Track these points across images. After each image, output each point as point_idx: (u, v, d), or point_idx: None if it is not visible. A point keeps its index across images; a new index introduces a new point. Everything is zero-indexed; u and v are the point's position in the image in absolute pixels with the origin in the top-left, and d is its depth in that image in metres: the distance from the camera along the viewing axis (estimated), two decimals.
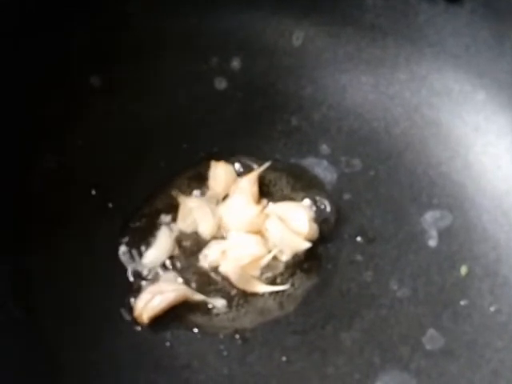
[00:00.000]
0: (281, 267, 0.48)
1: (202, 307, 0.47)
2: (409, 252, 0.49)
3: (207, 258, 0.48)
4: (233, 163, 0.52)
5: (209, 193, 0.51)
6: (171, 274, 0.48)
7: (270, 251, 0.48)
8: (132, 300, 0.47)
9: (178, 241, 0.49)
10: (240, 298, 0.47)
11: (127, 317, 0.46)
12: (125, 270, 0.48)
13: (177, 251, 0.49)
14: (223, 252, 0.48)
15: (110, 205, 0.50)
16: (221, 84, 0.55)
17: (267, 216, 0.49)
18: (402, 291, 0.48)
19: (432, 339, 0.46)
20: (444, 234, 0.49)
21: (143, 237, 0.49)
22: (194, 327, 0.46)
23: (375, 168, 0.52)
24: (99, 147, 0.52)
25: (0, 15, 0.47)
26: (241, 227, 0.49)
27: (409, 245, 0.49)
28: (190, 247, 0.49)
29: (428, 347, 0.46)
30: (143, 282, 0.47)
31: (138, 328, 0.46)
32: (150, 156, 0.52)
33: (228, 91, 0.54)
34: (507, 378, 0.44)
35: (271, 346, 0.46)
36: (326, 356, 0.45)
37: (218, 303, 0.47)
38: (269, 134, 0.53)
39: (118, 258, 0.48)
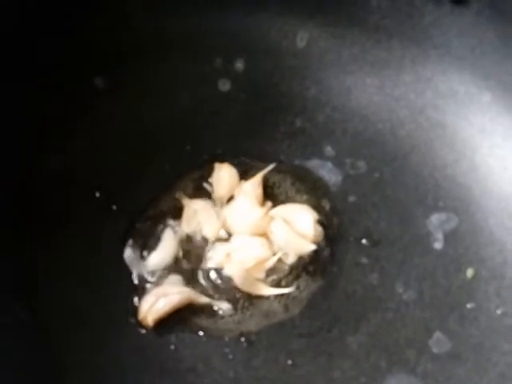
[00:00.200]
0: (286, 270, 0.48)
1: (206, 310, 0.47)
2: (414, 255, 0.49)
3: (212, 260, 0.48)
4: (237, 165, 0.51)
5: (213, 195, 0.51)
6: (176, 277, 0.48)
7: (274, 254, 0.48)
8: (137, 303, 0.46)
9: (183, 243, 0.49)
10: (245, 300, 0.47)
11: (132, 319, 0.46)
12: (129, 273, 0.48)
13: (181, 253, 0.49)
14: (228, 254, 0.47)
15: (114, 207, 0.50)
16: (225, 85, 0.54)
17: (272, 218, 0.49)
18: (408, 294, 0.47)
19: (438, 342, 0.46)
20: (450, 237, 0.49)
21: (147, 239, 0.49)
22: (198, 330, 0.46)
23: (380, 170, 0.52)
24: (103, 149, 0.52)
25: (0, 15, 0.47)
26: (245, 229, 0.49)
27: (414, 247, 0.49)
28: (194, 250, 0.49)
29: (435, 350, 0.45)
30: (148, 285, 0.47)
31: (143, 331, 0.46)
32: (154, 158, 0.52)
33: (232, 93, 0.54)
34: None
35: (277, 349, 0.46)
36: (332, 359, 0.45)
37: (223, 306, 0.47)
38: (273, 136, 0.53)
39: (123, 260, 0.48)
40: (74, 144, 0.51)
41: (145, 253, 0.48)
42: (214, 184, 0.51)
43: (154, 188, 0.51)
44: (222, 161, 0.51)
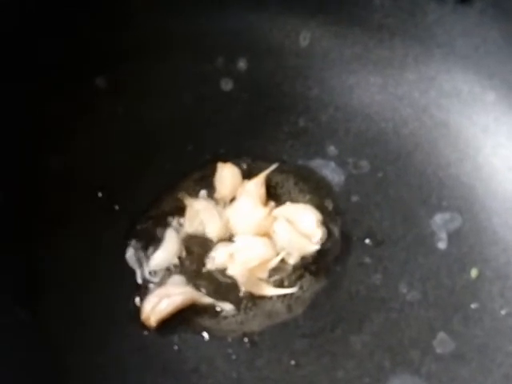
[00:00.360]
0: (289, 270, 0.48)
1: (209, 310, 0.46)
2: (418, 255, 0.48)
3: (215, 260, 0.48)
4: (239, 165, 0.51)
5: (216, 195, 0.50)
6: (178, 277, 0.47)
7: (277, 254, 0.47)
8: (139, 303, 0.46)
9: (185, 243, 0.49)
10: (248, 301, 0.47)
11: (134, 320, 0.46)
12: (132, 273, 0.48)
13: (184, 254, 0.48)
14: (231, 255, 0.47)
15: (117, 207, 0.50)
16: (227, 85, 0.54)
17: (275, 218, 0.49)
18: (412, 294, 0.47)
19: (442, 343, 0.45)
20: (454, 237, 0.49)
21: (150, 239, 0.49)
22: (201, 331, 0.46)
23: (383, 169, 0.52)
24: (105, 149, 0.52)
25: (1, 15, 0.46)
26: (248, 229, 0.48)
27: (418, 247, 0.49)
28: (197, 250, 0.48)
29: (439, 351, 0.45)
30: (150, 285, 0.47)
31: (146, 331, 0.46)
32: (156, 158, 0.52)
33: (234, 92, 0.54)
34: None
35: (280, 349, 0.45)
36: (336, 360, 0.45)
37: (226, 306, 0.46)
38: (275, 136, 0.53)
39: (125, 260, 0.48)
40: (75, 144, 0.51)
41: (147, 253, 0.48)
42: (217, 184, 0.51)
43: (156, 188, 0.50)
44: (224, 160, 0.51)
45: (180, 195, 0.50)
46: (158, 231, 0.49)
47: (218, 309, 0.47)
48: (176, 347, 0.45)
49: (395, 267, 0.48)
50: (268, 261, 0.47)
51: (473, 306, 0.47)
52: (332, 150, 0.53)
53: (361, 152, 0.52)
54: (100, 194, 0.50)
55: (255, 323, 0.46)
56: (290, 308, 0.47)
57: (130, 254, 0.48)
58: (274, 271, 0.47)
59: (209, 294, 0.47)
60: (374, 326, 0.46)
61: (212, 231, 0.49)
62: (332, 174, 0.52)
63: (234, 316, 0.46)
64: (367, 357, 0.45)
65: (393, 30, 0.53)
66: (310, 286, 0.47)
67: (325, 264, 0.48)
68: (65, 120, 0.51)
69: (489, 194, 0.50)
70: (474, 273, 0.48)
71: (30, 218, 0.48)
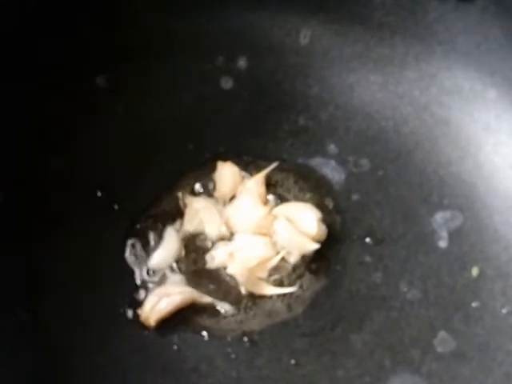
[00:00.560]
0: (289, 269, 0.48)
1: (209, 310, 0.46)
2: (419, 253, 0.48)
3: (214, 259, 0.48)
4: (239, 164, 0.51)
5: (215, 194, 0.50)
6: (178, 276, 0.47)
7: (277, 253, 0.47)
8: (139, 303, 0.46)
9: (185, 242, 0.49)
10: (248, 300, 0.47)
11: (134, 320, 0.46)
12: (131, 273, 0.48)
13: (183, 253, 0.48)
14: (230, 254, 0.47)
15: (116, 206, 0.50)
16: (227, 83, 0.54)
17: (275, 217, 0.49)
18: (412, 293, 0.47)
19: (443, 342, 0.45)
20: (455, 235, 0.49)
21: (149, 239, 0.49)
22: (201, 330, 0.46)
23: (384, 168, 0.52)
24: (104, 148, 0.51)
25: (1, 14, 0.46)
26: (248, 228, 0.48)
27: (419, 246, 0.48)
28: (196, 249, 0.48)
29: (439, 350, 0.45)
30: (150, 285, 0.47)
31: (145, 331, 0.46)
32: (156, 157, 0.52)
33: (234, 91, 0.54)
34: None
35: (280, 348, 0.45)
36: (336, 359, 0.45)
37: (226, 306, 0.46)
38: (276, 134, 0.53)
39: (125, 260, 0.48)
40: (74, 143, 0.51)
41: (147, 252, 0.48)
42: (217, 182, 0.51)
43: (156, 187, 0.50)
44: (224, 159, 0.51)
45: (180, 194, 0.50)
46: (158, 230, 0.49)
47: (218, 308, 0.46)
48: (175, 347, 0.45)
49: (396, 266, 0.48)
50: (268, 260, 0.47)
51: (474, 304, 0.46)
52: (332, 148, 0.53)
53: (361, 150, 0.52)
54: (99, 194, 0.50)
55: (255, 322, 0.46)
56: (289, 307, 0.47)
57: (130, 254, 0.48)
58: (274, 270, 0.47)
59: (208, 294, 0.47)
60: (374, 325, 0.46)
61: (212, 230, 0.49)
62: (332, 172, 0.52)
63: (233, 315, 0.46)
64: (367, 356, 0.45)
65: (393, 28, 0.53)
66: (310, 285, 0.47)
67: (325, 263, 0.48)
68: (64, 119, 0.51)
69: (490, 192, 0.50)
70: (475, 271, 0.47)
71: (30, 218, 0.48)
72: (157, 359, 0.45)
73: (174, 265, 0.48)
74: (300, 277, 0.47)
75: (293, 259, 0.48)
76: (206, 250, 0.48)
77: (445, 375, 0.44)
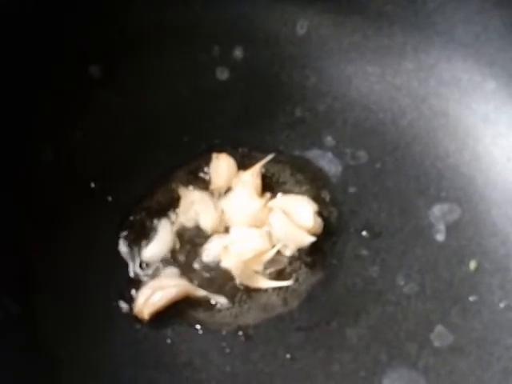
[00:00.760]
0: (285, 262, 0.47)
1: (203, 303, 0.46)
2: (416, 246, 0.48)
3: (209, 252, 0.47)
4: (235, 155, 0.51)
5: (211, 186, 0.50)
6: (172, 269, 0.47)
7: (273, 246, 0.47)
8: (132, 296, 0.46)
9: (179, 235, 0.48)
10: (243, 293, 0.46)
11: (127, 313, 0.45)
12: (125, 265, 0.47)
13: (178, 245, 0.48)
14: (225, 247, 0.47)
15: (110, 198, 0.49)
16: (223, 74, 0.54)
17: (270, 210, 0.48)
18: (409, 287, 0.47)
19: (440, 336, 0.45)
20: (452, 228, 0.48)
21: (143, 231, 0.48)
22: (195, 324, 0.45)
23: (381, 160, 0.51)
24: (99, 139, 0.51)
25: None
26: (243, 221, 0.48)
27: (416, 239, 0.48)
28: (191, 241, 0.48)
29: (436, 344, 0.45)
30: (144, 278, 0.47)
31: (139, 324, 0.45)
32: (151, 148, 0.51)
33: (230, 81, 0.53)
34: None
35: (275, 343, 0.45)
36: (332, 353, 0.44)
37: (221, 299, 0.46)
38: (272, 126, 0.52)
39: (118, 252, 0.47)
40: (68, 135, 0.51)
41: (141, 245, 0.48)
42: (212, 174, 0.50)
43: (151, 179, 0.50)
44: (219, 151, 0.51)
45: (174, 186, 0.50)
46: (152, 223, 0.48)
47: (213, 301, 0.46)
48: (169, 340, 0.45)
49: (392, 259, 0.47)
50: (263, 253, 0.46)
51: (471, 298, 0.46)
52: (329, 140, 0.52)
53: (358, 142, 0.52)
54: (93, 185, 0.50)
55: (250, 316, 0.46)
56: (285, 301, 0.46)
57: (123, 246, 0.48)
58: (270, 263, 0.47)
59: (203, 287, 0.46)
60: (370, 319, 0.45)
61: (206, 223, 0.48)
62: (329, 164, 0.51)
63: (228, 309, 0.46)
64: (363, 350, 0.45)
65: (392, 17, 0.52)
66: (306, 278, 0.47)
67: (321, 256, 0.48)
68: (58, 111, 0.50)
69: (488, 184, 0.49)
70: (472, 265, 0.47)
71: (22, 210, 0.48)
72: (150, 353, 0.44)
73: (168, 257, 0.47)
74: (296, 270, 0.47)
75: (288, 252, 0.47)
76: (200, 243, 0.48)
77: (442, 370, 0.44)
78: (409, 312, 0.46)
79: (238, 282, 0.46)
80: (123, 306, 0.46)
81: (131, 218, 0.49)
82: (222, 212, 0.48)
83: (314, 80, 0.53)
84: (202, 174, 0.50)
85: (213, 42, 0.53)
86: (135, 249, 0.47)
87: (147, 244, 0.47)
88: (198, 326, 0.45)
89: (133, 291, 0.46)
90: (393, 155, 0.51)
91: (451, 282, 0.46)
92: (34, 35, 0.48)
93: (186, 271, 0.47)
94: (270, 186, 0.50)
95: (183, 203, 0.49)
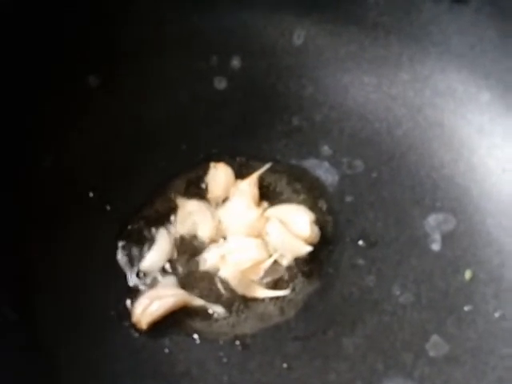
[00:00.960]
0: (281, 271, 0.47)
1: (201, 313, 0.46)
2: (411, 256, 0.48)
3: (206, 262, 0.47)
4: (232, 164, 0.51)
5: (208, 195, 0.50)
6: (170, 279, 0.47)
7: (270, 255, 0.47)
8: (130, 305, 0.46)
9: (177, 244, 0.48)
10: (240, 303, 0.46)
11: (125, 322, 0.46)
12: (123, 274, 0.47)
13: (176, 255, 0.48)
14: (223, 256, 0.47)
15: (108, 207, 0.50)
16: (220, 83, 0.54)
17: (267, 219, 0.48)
18: (405, 296, 0.47)
19: (436, 346, 0.45)
20: (447, 238, 0.49)
21: (142, 240, 0.48)
22: (193, 333, 0.46)
23: (377, 170, 0.51)
24: (97, 148, 0.51)
25: None
26: (241, 231, 0.48)
27: (411, 249, 0.48)
28: (189, 251, 0.48)
29: (432, 354, 0.45)
30: (142, 287, 0.47)
31: (136, 334, 0.45)
32: (149, 157, 0.51)
33: (228, 91, 0.54)
34: None
35: (272, 352, 0.45)
36: (328, 362, 0.45)
37: (218, 309, 0.46)
38: (269, 135, 0.53)
39: (117, 261, 0.48)
40: (67, 143, 0.51)
41: (139, 254, 0.48)
42: (210, 184, 0.50)
43: (149, 188, 0.50)
44: (217, 160, 0.51)
45: (172, 196, 0.50)
46: (150, 232, 0.49)
47: (210, 311, 0.46)
48: (167, 350, 0.45)
49: (388, 269, 0.48)
50: (260, 262, 0.47)
51: (466, 308, 0.46)
52: (326, 149, 0.52)
53: (355, 152, 0.52)
54: (92, 194, 0.50)
55: (247, 326, 0.46)
56: (282, 310, 0.46)
57: (122, 255, 0.48)
58: (267, 273, 0.47)
59: (200, 296, 0.46)
60: (366, 329, 0.46)
61: (204, 232, 0.48)
62: (326, 174, 0.52)
63: (225, 318, 0.46)
64: (360, 359, 0.45)
65: (388, 28, 0.52)
66: (303, 287, 0.47)
67: (318, 265, 0.48)
68: (57, 119, 0.50)
69: (483, 195, 0.49)
70: (467, 275, 0.47)
71: (21, 218, 0.48)
72: (148, 362, 0.44)
73: (166, 267, 0.48)
74: (293, 280, 0.47)
75: (285, 262, 0.47)
76: (198, 252, 0.48)
77: (437, 379, 0.44)
78: (404, 322, 0.46)
79: (235, 291, 0.46)
80: (121, 315, 0.46)
81: (129, 227, 0.49)
82: (220, 221, 0.49)
83: (310, 90, 0.54)
84: (199, 183, 0.51)
85: (211, 51, 0.54)
86: (133, 258, 0.48)
87: (145, 253, 0.48)
88: (195, 336, 0.45)
89: (131, 301, 0.46)
90: (388, 165, 0.51)
91: (446, 291, 0.47)
92: (32, 46, 0.49)
93: (184, 281, 0.47)
94: (266, 195, 0.50)
95: (181, 213, 0.49)
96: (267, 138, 0.53)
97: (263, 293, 0.46)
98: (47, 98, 0.50)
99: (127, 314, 0.46)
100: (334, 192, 0.51)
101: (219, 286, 0.47)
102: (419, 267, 0.48)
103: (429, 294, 0.47)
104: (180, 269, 0.48)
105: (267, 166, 0.50)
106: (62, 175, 0.50)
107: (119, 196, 0.50)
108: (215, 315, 0.46)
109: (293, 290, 0.47)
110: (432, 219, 0.49)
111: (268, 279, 0.47)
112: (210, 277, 0.47)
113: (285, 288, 0.47)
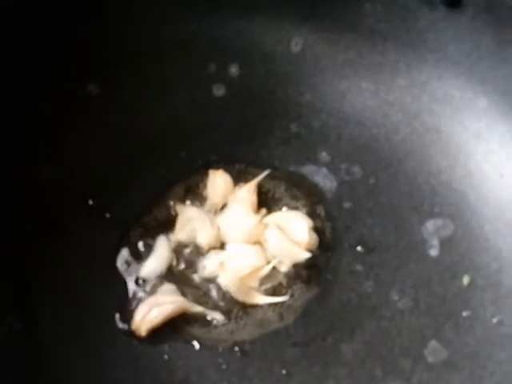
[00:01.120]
0: (280, 278, 0.48)
1: (200, 319, 0.46)
2: (410, 262, 0.48)
3: (205, 269, 0.48)
4: (231, 171, 0.51)
5: (207, 202, 0.50)
6: (169, 286, 0.47)
7: (269, 262, 0.47)
8: (130, 312, 0.46)
9: (176, 251, 0.48)
10: (239, 309, 0.47)
11: (125, 329, 0.46)
12: (123, 282, 0.47)
13: (175, 262, 0.48)
14: (222, 263, 0.47)
15: (108, 215, 0.50)
16: (219, 91, 0.54)
17: (266, 226, 0.49)
18: (403, 302, 0.47)
19: (434, 351, 0.45)
20: (445, 244, 0.49)
21: (141, 247, 0.49)
22: (192, 340, 0.46)
23: (375, 176, 0.52)
24: (96, 156, 0.51)
25: None
26: (239, 237, 0.48)
27: (410, 254, 0.49)
28: (188, 258, 0.48)
29: (430, 359, 0.45)
30: (141, 294, 0.47)
31: (136, 341, 0.45)
32: (148, 165, 0.52)
33: (226, 98, 0.54)
34: None
35: (271, 358, 0.45)
36: (327, 368, 0.45)
37: (217, 315, 0.46)
38: (267, 142, 0.53)
39: (116, 269, 0.48)
40: (67, 151, 0.51)
41: (138, 261, 0.48)
42: (208, 191, 0.51)
43: (148, 195, 0.50)
44: (216, 167, 0.51)
45: (171, 203, 0.50)
46: (150, 239, 0.49)
47: (209, 318, 0.46)
48: (166, 356, 0.45)
49: (387, 275, 0.48)
50: (259, 269, 0.47)
51: (464, 313, 0.46)
52: (324, 156, 0.53)
53: (353, 158, 0.52)
54: (91, 202, 0.50)
55: (246, 332, 0.46)
56: (281, 316, 0.47)
57: (121, 263, 0.48)
58: (266, 279, 0.47)
59: (199, 303, 0.47)
60: (365, 335, 0.46)
61: (203, 239, 0.49)
62: (324, 180, 0.52)
63: (224, 325, 0.46)
64: (358, 365, 0.45)
65: (385, 35, 0.53)
66: (302, 294, 0.47)
67: (316, 271, 0.48)
68: (57, 127, 0.51)
69: (480, 200, 0.50)
70: (465, 280, 0.47)
71: (22, 227, 0.48)
72: (147, 369, 0.45)
73: (166, 274, 0.48)
74: (291, 286, 0.47)
75: (284, 268, 0.48)
76: (197, 259, 0.48)
77: None
78: (403, 327, 0.46)
79: (234, 298, 0.47)
80: (121, 322, 0.46)
81: (129, 234, 0.49)
82: (219, 228, 0.49)
83: (308, 96, 0.54)
84: (198, 190, 0.51)
85: (209, 59, 0.54)
86: (133, 265, 0.48)
87: (145, 260, 0.48)
88: (194, 343, 0.46)
89: (130, 308, 0.46)
90: (386, 171, 0.52)
91: (444, 297, 0.47)
92: (30, 55, 0.49)
93: (183, 288, 0.47)
94: (265, 201, 0.50)
95: (180, 220, 0.49)
96: (266, 144, 0.53)
97: (262, 299, 0.47)
98: (47, 103, 0.50)
99: (127, 321, 0.46)
100: (333, 198, 0.51)
101: (218, 292, 0.47)
102: (417, 273, 0.48)
103: (427, 299, 0.47)
104: (179, 276, 0.48)
105: (266, 172, 0.51)
106: (62, 184, 0.50)
107: (119, 204, 0.50)
108: (214, 322, 0.46)
109: (291, 296, 0.47)
110: (430, 225, 0.49)
111: (267, 286, 0.47)
112: (209, 283, 0.47)
113: (283, 294, 0.47)
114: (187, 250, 0.49)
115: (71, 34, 0.50)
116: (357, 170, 0.52)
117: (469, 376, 0.44)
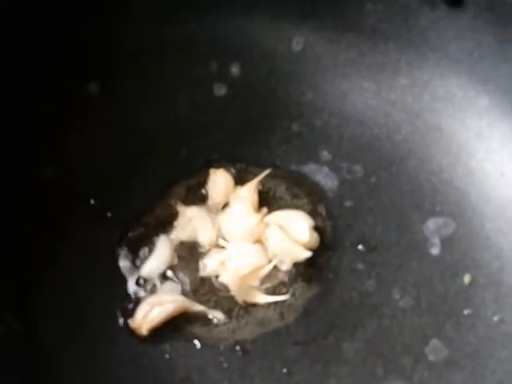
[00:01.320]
0: (281, 277, 0.48)
1: (201, 318, 0.46)
2: (411, 260, 0.48)
3: (207, 268, 0.48)
4: (232, 171, 0.51)
5: (208, 201, 0.50)
6: (170, 285, 0.47)
7: (270, 261, 0.47)
8: (131, 311, 0.46)
9: (177, 250, 0.49)
10: (240, 308, 0.47)
11: (126, 329, 0.46)
12: (124, 281, 0.47)
13: (176, 261, 0.48)
14: (223, 262, 0.47)
15: (109, 214, 0.50)
16: (220, 90, 0.54)
17: (267, 225, 0.48)
18: (405, 300, 0.47)
19: (435, 350, 0.45)
20: (447, 242, 0.49)
21: (142, 247, 0.49)
22: (193, 339, 0.46)
23: (377, 175, 0.52)
24: (97, 156, 0.51)
25: None
26: (240, 236, 0.48)
27: (411, 253, 0.49)
28: (189, 257, 0.48)
29: (431, 358, 0.45)
30: (142, 293, 0.47)
31: (137, 340, 0.45)
32: (149, 164, 0.52)
33: (227, 97, 0.54)
34: None
35: (272, 357, 0.45)
36: (328, 367, 0.45)
37: (218, 314, 0.46)
38: (269, 141, 0.53)
39: (117, 268, 0.48)
40: (67, 151, 0.51)
41: (139, 260, 0.48)
42: (209, 190, 0.51)
43: (149, 195, 0.50)
44: (217, 166, 0.51)
45: (172, 202, 0.50)
46: (151, 238, 0.49)
47: (210, 317, 0.46)
48: (167, 355, 0.45)
49: (388, 273, 0.48)
50: (260, 268, 0.47)
51: (466, 312, 0.46)
52: (325, 155, 0.53)
53: (354, 157, 0.52)
54: (93, 202, 0.50)
55: (247, 331, 0.46)
56: (282, 315, 0.47)
57: (123, 262, 0.48)
58: (266, 278, 0.47)
59: (200, 302, 0.47)
60: (366, 333, 0.46)
61: (204, 238, 0.49)
62: (325, 179, 0.52)
63: (225, 324, 0.46)
64: (360, 364, 0.45)
65: (386, 34, 0.53)
66: (303, 292, 0.47)
67: (317, 270, 0.48)
68: (57, 127, 0.51)
69: (482, 199, 0.50)
70: (466, 279, 0.47)
71: (22, 227, 0.48)
72: (148, 368, 0.45)
73: (167, 273, 0.48)
74: (292, 285, 0.47)
75: (285, 267, 0.48)
76: (198, 259, 0.48)
77: (437, 383, 0.44)
78: (404, 326, 0.46)
79: (235, 297, 0.47)
80: (122, 321, 0.46)
81: (130, 233, 0.49)
82: (220, 227, 0.49)
83: (310, 96, 0.54)
84: (199, 190, 0.51)
85: (210, 58, 0.54)
86: (134, 264, 0.48)
87: (146, 260, 0.48)
88: (195, 341, 0.46)
89: (131, 307, 0.46)
90: (388, 170, 0.52)
91: (446, 295, 0.47)
92: (31, 55, 0.49)
93: (184, 286, 0.47)
94: (266, 200, 0.50)
95: (181, 219, 0.49)
96: (267, 143, 0.53)
97: (263, 298, 0.47)
98: (47, 103, 0.50)
99: (128, 320, 0.46)
100: (334, 197, 0.51)
101: (219, 291, 0.47)
102: (419, 271, 0.48)
103: (428, 297, 0.47)
104: (180, 275, 0.48)
105: (267, 171, 0.51)
106: (63, 183, 0.50)
107: (120, 203, 0.50)
108: (215, 321, 0.46)
109: (292, 295, 0.47)
110: (431, 223, 0.49)
111: (268, 284, 0.47)
112: (210, 282, 0.47)
113: (284, 293, 0.47)
114: (188, 249, 0.49)
115: (71, 34, 0.50)
116: (358, 168, 0.52)
117: (470, 374, 0.44)
